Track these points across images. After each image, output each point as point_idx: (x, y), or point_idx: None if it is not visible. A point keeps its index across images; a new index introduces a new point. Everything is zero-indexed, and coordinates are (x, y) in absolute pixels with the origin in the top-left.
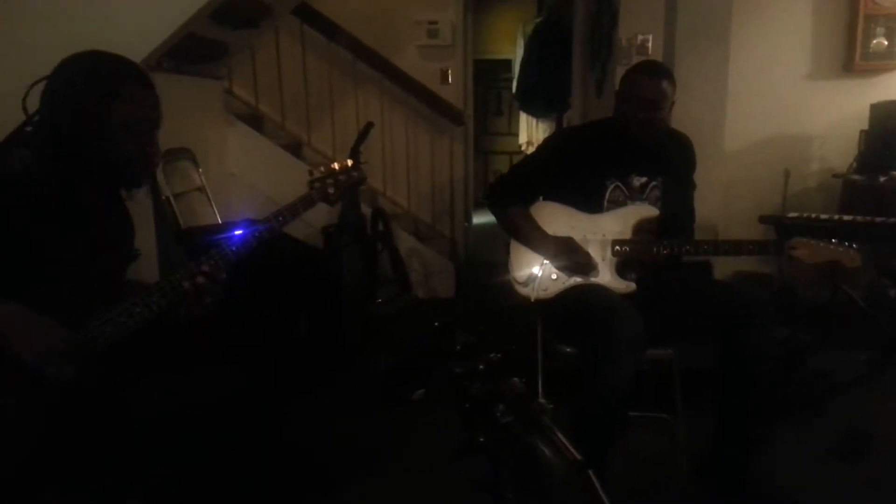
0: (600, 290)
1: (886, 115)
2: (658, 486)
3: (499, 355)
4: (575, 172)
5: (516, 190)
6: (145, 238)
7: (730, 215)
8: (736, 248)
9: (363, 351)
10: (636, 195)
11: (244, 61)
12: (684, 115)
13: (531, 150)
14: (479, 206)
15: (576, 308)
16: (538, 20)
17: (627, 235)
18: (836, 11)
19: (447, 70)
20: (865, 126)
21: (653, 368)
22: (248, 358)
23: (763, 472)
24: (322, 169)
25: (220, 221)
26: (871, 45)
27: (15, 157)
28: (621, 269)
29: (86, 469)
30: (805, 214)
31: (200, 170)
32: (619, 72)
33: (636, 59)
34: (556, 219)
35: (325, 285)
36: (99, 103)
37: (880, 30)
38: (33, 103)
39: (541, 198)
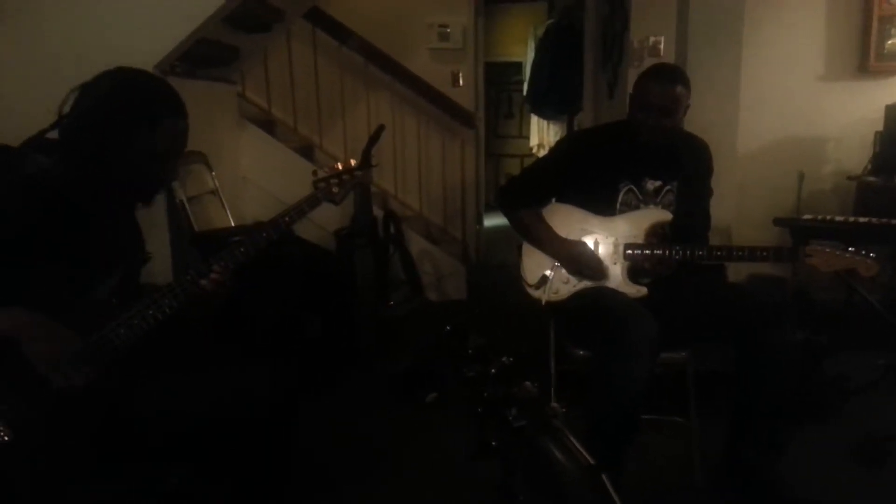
0: (613, 293)
1: None
2: (672, 489)
3: (511, 359)
4: (587, 175)
5: (528, 192)
6: (159, 241)
7: (743, 217)
8: (750, 254)
9: (375, 353)
10: (650, 199)
11: (256, 65)
12: (697, 117)
13: (542, 152)
14: (490, 208)
15: (589, 310)
16: (549, 22)
17: (640, 239)
18: (851, 12)
19: (458, 73)
20: (880, 127)
21: (666, 371)
22: (261, 359)
23: (778, 476)
24: (327, 169)
25: (232, 224)
26: (886, 46)
27: (31, 161)
28: (633, 274)
29: (98, 471)
30: (820, 216)
31: (214, 173)
32: (632, 74)
33: (648, 61)
34: (568, 221)
35: (337, 288)
36: (132, 125)
37: (895, 31)
38: (30, 108)
39: (553, 200)
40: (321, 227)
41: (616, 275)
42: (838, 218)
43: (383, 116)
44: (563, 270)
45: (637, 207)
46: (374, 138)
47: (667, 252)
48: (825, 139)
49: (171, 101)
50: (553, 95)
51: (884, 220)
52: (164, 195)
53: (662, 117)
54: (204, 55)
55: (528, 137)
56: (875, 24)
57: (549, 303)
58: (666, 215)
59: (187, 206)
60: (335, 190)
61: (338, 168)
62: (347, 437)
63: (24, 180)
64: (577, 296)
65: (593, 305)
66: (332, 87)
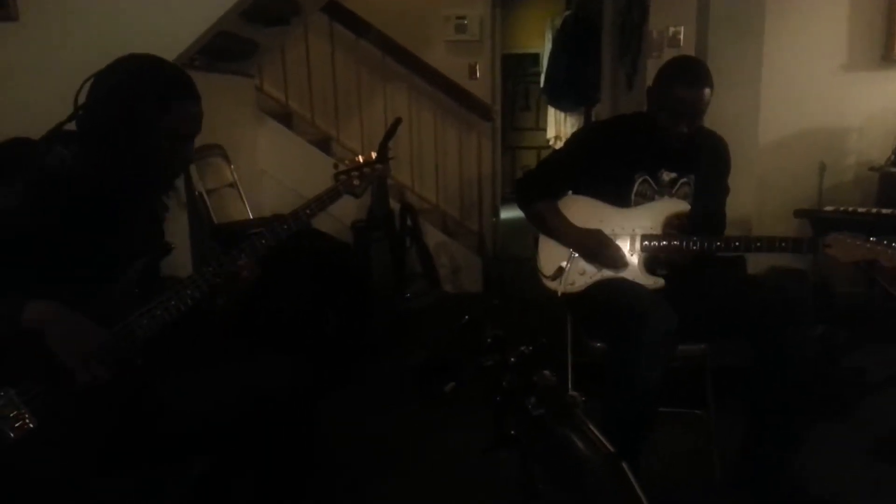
0: (630, 284)
1: None
2: (689, 482)
3: (530, 348)
4: (603, 166)
5: (544, 184)
6: (179, 233)
7: (764, 209)
8: (769, 244)
9: (391, 346)
10: (665, 190)
11: (274, 59)
12: (718, 108)
13: (559, 144)
14: (506, 201)
15: (606, 302)
16: (567, 13)
17: (657, 230)
18: (874, 0)
19: (475, 65)
20: None
21: (684, 364)
22: (282, 352)
23: (796, 470)
24: (347, 162)
25: (251, 217)
26: None
27: (53, 155)
28: (650, 265)
29: (120, 463)
30: (842, 208)
31: (232, 166)
32: (651, 65)
33: (668, 52)
34: (584, 213)
35: (354, 280)
36: (150, 110)
37: None
38: (40, 102)
39: (569, 192)
40: (338, 219)
41: (633, 266)
42: (860, 209)
43: (400, 109)
44: (580, 262)
45: (652, 198)
46: (390, 131)
47: (684, 243)
48: (847, 129)
49: (181, 83)
50: (570, 87)
51: None
52: (184, 187)
53: (688, 122)
54: (223, 49)
55: (544, 130)
56: None
57: (564, 294)
58: (684, 206)
59: (206, 198)
60: (356, 183)
61: (358, 161)
62: (363, 430)
63: (46, 173)
64: (594, 287)
65: (610, 298)
66: (349, 81)
